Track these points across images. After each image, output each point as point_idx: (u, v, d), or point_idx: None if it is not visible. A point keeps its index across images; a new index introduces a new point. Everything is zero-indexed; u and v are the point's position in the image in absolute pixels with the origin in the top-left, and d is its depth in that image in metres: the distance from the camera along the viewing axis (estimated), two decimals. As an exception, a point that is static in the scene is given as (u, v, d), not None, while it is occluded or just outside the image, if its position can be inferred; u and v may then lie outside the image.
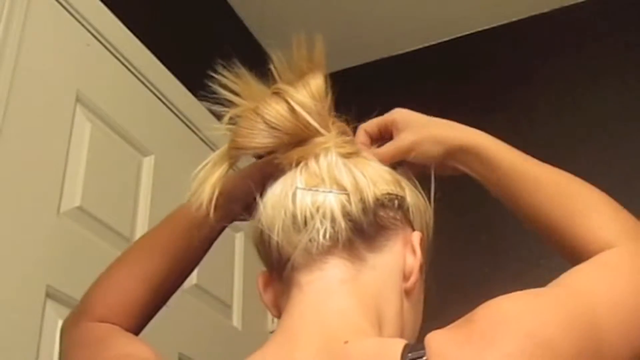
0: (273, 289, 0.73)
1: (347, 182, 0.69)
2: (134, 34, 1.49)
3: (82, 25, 1.35)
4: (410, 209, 0.73)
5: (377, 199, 0.69)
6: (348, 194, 0.68)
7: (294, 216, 0.68)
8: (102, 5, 1.41)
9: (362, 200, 0.68)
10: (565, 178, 0.78)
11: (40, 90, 1.21)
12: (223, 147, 0.75)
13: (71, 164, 1.24)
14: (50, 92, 1.24)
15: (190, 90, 1.65)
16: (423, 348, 0.57)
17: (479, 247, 1.77)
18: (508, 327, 0.56)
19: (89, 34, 1.36)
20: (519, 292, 0.61)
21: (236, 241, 1.71)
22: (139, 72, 1.49)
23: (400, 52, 2.16)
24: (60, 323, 1.12)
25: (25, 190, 1.13)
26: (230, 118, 0.74)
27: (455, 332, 0.58)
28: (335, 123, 0.75)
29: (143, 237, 0.94)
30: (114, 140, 1.39)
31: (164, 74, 1.58)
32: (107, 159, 1.34)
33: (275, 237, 0.68)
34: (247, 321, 1.71)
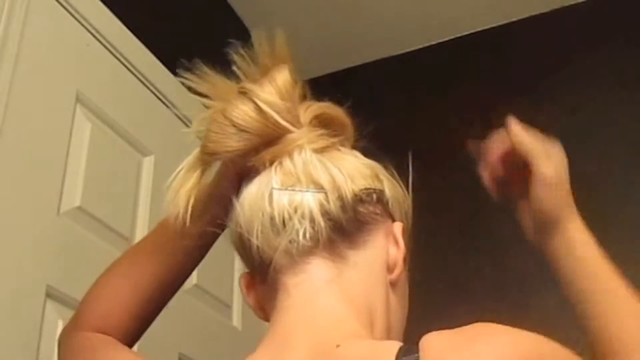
0: (257, 291, 0.72)
1: (324, 180, 0.67)
2: (134, 34, 1.49)
3: (82, 25, 1.35)
4: (390, 202, 0.72)
5: (355, 195, 0.68)
6: (326, 192, 0.67)
7: (272, 218, 0.66)
8: (102, 5, 1.41)
9: (340, 198, 0.67)
10: (628, 300, 0.78)
11: (40, 90, 1.21)
12: (195, 152, 0.74)
13: (71, 164, 1.24)
14: (50, 92, 1.24)
15: (190, 90, 1.65)
16: (417, 351, 0.56)
17: (478, 248, 1.77)
18: (504, 334, 0.56)
19: (89, 34, 1.36)
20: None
21: (236, 241, 1.71)
22: (139, 72, 1.49)
23: (400, 52, 2.16)
24: (60, 323, 1.12)
25: (25, 190, 1.13)
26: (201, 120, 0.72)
27: (452, 334, 0.57)
28: (308, 110, 0.73)
29: (133, 246, 0.93)
30: (114, 140, 1.39)
31: (164, 74, 1.58)
32: (107, 159, 1.34)
33: (254, 241, 0.67)
34: (247, 321, 1.71)
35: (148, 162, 1.47)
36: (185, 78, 0.73)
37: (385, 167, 0.75)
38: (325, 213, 0.66)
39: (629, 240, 1.62)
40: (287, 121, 0.70)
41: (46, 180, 1.18)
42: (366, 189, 0.69)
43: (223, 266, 1.65)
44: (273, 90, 0.70)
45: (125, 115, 1.42)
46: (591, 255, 0.79)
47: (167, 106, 1.58)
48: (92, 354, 0.77)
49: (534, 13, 2.03)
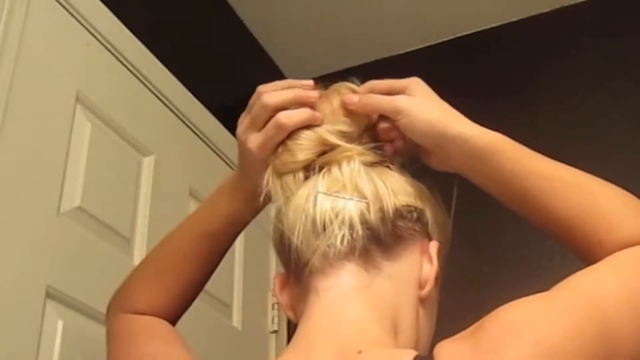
0: (290, 292, 0.74)
1: (367, 190, 0.70)
2: (134, 34, 1.49)
3: (82, 25, 1.35)
4: (430, 222, 0.74)
5: (396, 210, 0.70)
6: (368, 202, 0.69)
7: (314, 220, 0.69)
8: (102, 5, 1.41)
9: (382, 210, 0.69)
10: (579, 174, 0.73)
11: (40, 90, 1.21)
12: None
13: (71, 164, 1.24)
14: (50, 92, 1.23)
15: (190, 90, 1.65)
16: (432, 359, 0.57)
17: (478, 246, 1.77)
18: (515, 336, 0.56)
19: (89, 34, 1.36)
20: (525, 299, 0.61)
21: (236, 241, 1.71)
22: (139, 72, 1.49)
23: (400, 52, 2.16)
24: (60, 323, 1.12)
25: (25, 190, 1.13)
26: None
27: (464, 343, 0.58)
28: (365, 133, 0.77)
29: (175, 238, 0.92)
30: (114, 140, 1.39)
31: (164, 74, 1.58)
32: (107, 159, 1.34)
33: (295, 241, 0.69)
34: (247, 321, 1.71)
35: (148, 162, 1.47)
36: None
37: (431, 191, 0.77)
38: (365, 222, 0.68)
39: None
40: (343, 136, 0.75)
41: (46, 180, 1.18)
42: (408, 205, 0.72)
43: (223, 266, 1.65)
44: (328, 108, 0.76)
45: (125, 115, 1.42)
46: (506, 147, 0.73)
47: (167, 106, 1.58)
48: (142, 338, 0.81)
49: (534, 13, 2.03)
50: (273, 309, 1.84)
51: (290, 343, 0.68)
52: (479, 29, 2.10)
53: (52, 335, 1.11)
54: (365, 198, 0.69)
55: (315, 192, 0.70)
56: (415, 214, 0.72)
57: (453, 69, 2.08)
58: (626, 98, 1.83)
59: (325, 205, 0.69)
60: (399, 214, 0.70)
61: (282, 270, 0.76)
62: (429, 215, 0.74)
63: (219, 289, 1.61)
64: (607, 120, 1.82)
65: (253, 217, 0.84)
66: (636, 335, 0.59)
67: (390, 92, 0.79)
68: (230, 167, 1.73)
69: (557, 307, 0.59)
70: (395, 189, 0.71)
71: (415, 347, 0.69)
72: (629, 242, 0.66)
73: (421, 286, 0.71)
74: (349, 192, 0.70)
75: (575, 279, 0.64)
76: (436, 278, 0.72)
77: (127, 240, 1.33)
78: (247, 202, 0.81)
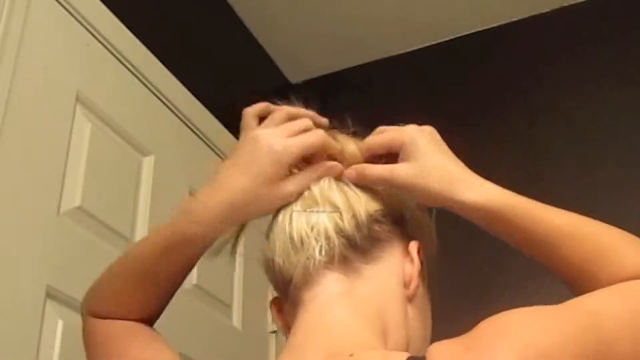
0: (285, 313, 0.76)
1: (339, 200, 0.72)
2: (134, 34, 1.49)
3: (82, 25, 1.35)
4: (409, 224, 0.75)
5: (369, 215, 0.72)
6: (340, 212, 0.71)
7: (291, 237, 0.71)
8: (102, 5, 1.41)
9: (354, 217, 0.71)
10: (588, 222, 0.73)
11: (40, 90, 1.21)
12: None
13: (71, 164, 1.24)
14: (50, 92, 1.24)
15: (190, 90, 1.65)
16: (425, 359, 0.57)
17: (478, 246, 1.77)
18: (507, 337, 0.56)
19: (89, 34, 1.36)
20: (524, 308, 0.60)
21: (236, 241, 1.71)
22: (139, 72, 1.49)
23: (400, 52, 2.16)
24: (60, 323, 1.12)
25: (25, 190, 1.13)
26: None
27: (457, 343, 0.58)
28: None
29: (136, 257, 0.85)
30: (114, 140, 1.39)
31: (164, 74, 1.58)
32: (107, 159, 1.34)
33: (277, 260, 0.72)
34: (247, 321, 1.71)
35: (148, 162, 1.47)
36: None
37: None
38: (340, 231, 0.71)
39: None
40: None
41: (46, 180, 1.18)
42: (381, 209, 0.74)
43: (223, 266, 1.65)
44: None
45: (125, 115, 1.42)
46: (516, 205, 0.73)
47: (167, 106, 1.58)
48: (113, 343, 0.80)
49: (534, 13, 2.03)
50: (273, 309, 1.83)
51: (280, 355, 0.69)
52: (479, 29, 2.10)
53: (52, 335, 1.11)
54: (338, 208, 0.72)
55: (290, 211, 0.73)
56: (390, 218, 0.74)
57: (452, 69, 2.08)
58: (627, 97, 1.83)
59: (300, 222, 0.72)
60: (373, 219, 0.72)
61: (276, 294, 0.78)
62: (408, 217, 0.76)
63: (219, 289, 1.62)
64: (607, 120, 1.82)
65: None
66: (634, 357, 0.59)
67: (389, 150, 0.77)
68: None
69: (554, 316, 0.59)
70: (369, 196, 0.74)
71: (407, 346, 0.70)
72: (633, 277, 0.67)
73: (406, 285, 0.72)
74: (321, 206, 0.72)
75: (579, 298, 0.64)
76: (421, 276, 0.73)
77: (127, 240, 1.33)
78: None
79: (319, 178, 0.75)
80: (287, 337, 0.73)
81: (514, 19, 2.05)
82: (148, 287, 0.82)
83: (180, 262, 0.80)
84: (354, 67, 2.15)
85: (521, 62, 2.00)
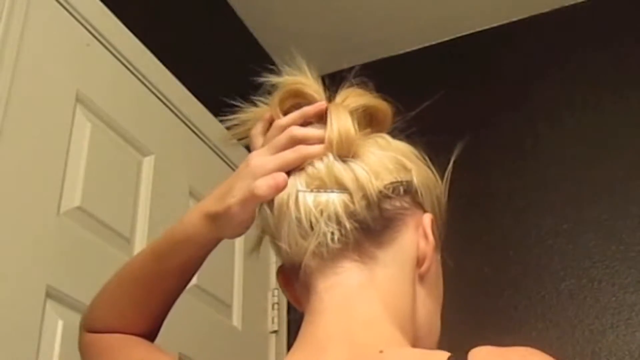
0: (294, 287, 0.72)
1: (347, 179, 0.68)
2: (134, 34, 1.49)
3: (82, 25, 1.35)
4: (419, 191, 0.71)
5: (380, 192, 0.68)
6: (350, 193, 0.67)
7: (299, 221, 0.67)
8: (102, 5, 1.41)
9: (365, 197, 0.67)
10: None
11: (40, 90, 1.21)
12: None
13: (71, 164, 1.24)
14: (50, 92, 1.23)
15: (190, 90, 1.65)
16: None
17: (479, 246, 1.77)
18: None
19: (89, 34, 1.36)
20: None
21: (236, 241, 1.71)
22: (139, 72, 1.49)
23: (401, 52, 2.16)
24: (60, 323, 1.12)
25: (25, 190, 1.13)
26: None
27: (503, 353, 0.57)
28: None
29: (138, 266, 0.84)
30: (114, 140, 1.39)
31: (164, 74, 1.58)
32: (107, 159, 1.34)
33: (283, 245, 0.68)
34: (247, 321, 1.71)
35: (148, 162, 1.47)
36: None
37: (415, 149, 0.74)
38: (351, 214, 0.67)
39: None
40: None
41: (46, 180, 1.18)
42: (392, 183, 0.69)
43: (223, 266, 1.65)
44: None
45: (125, 115, 1.42)
46: None
47: (167, 106, 1.58)
48: (112, 355, 0.78)
49: (534, 13, 2.03)
50: (273, 309, 1.84)
51: (296, 344, 0.66)
52: (479, 29, 2.09)
53: (52, 335, 1.11)
54: (347, 189, 0.67)
55: (295, 191, 0.68)
56: (401, 189, 0.69)
57: (453, 69, 2.08)
58: (626, 98, 1.83)
59: (307, 203, 0.67)
60: (383, 195, 0.68)
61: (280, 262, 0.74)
62: (416, 182, 0.71)
63: (219, 289, 1.61)
64: (608, 119, 1.82)
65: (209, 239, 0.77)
66: None
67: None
68: (230, 167, 1.73)
69: None
70: (376, 170, 0.69)
71: (414, 325, 0.68)
72: None
73: (419, 263, 0.70)
74: (329, 185, 0.68)
75: None
76: (434, 251, 0.70)
77: (127, 240, 1.33)
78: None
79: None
80: (299, 309, 0.71)
81: (514, 19, 2.05)
82: (142, 298, 0.80)
83: (171, 269, 0.78)
84: (354, 67, 2.15)
85: (521, 61, 2.00)
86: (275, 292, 1.84)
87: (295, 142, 0.71)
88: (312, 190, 0.68)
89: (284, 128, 0.73)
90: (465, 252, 1.75)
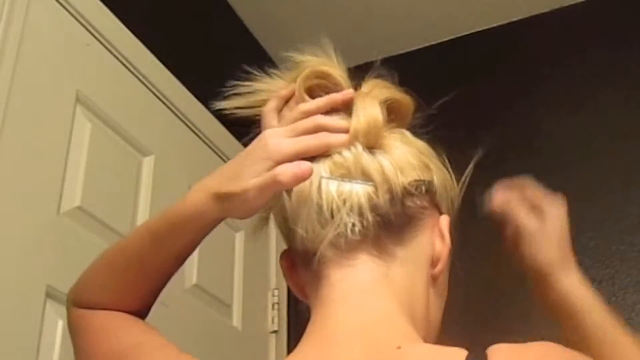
0: (298, 273, 0.71)
1: (373, 170, 0.66)
2: (134, 34, 1.49)
3: (82, 25, 1.35)
4: (438, 191, 0.70)
5: (404, 188, 0.67)
6: (375, 185, 0.66)
7: (320, 207, 0.65)
8: (102, 5, 1.41)
9: (390, 191, 0.66)
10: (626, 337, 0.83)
11: (40, 90, 1.21)
12: None
13: (71, 164, 1.24)
14: (50, 92, 1.24)
15: (190, 90, 1.65)
16: (486, 359, 0.56)
17: (480, 246, 1.77)
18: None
19: (89, 34, 1.36)
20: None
21: (236, 241, 1.71)
22: (139, 72, 1.49)
23: (401, 52, 2.16)
24: (60, 323, 1.12)
25: (25, 190, 1.14)
26: None
27: (522, 350, 0.57)
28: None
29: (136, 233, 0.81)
30: (114, 140, 1.39)
31: (164, 74, 1.58)
32: (107, 159, 1.34)
33: (300, 231, 0.66)
34: (247, 321, 1.71)
35: (148, 162, 1.47)
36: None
37: (434, 149, 0.74)
38: (374, 207, 0.65)
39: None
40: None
41: (46, 180, 1.18)
42: (415, 181, 0.68)
43: (223, 266, 1.65)
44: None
45: (125, 115, 1.42)
46: (587, 309, 0.83)
47: (167, 106, 1.58)
48: (106, 334, 0.76)
49: (534, 13, 2.02)
50: (273, 309, 1.83)
51: (306, 336, 0.65)
52: (479, 29, 2.09)
53: (52, 335, 1.11)
54: (372, 180, 0.66)
55: (318, 177, 0.66)
56: (423, 187, 0.68)
57: (453, 69, 2.08)
58: (626, 97, 1.83)
59: (330, 191, 0.65)
60: (407, 192, 0.67)
61: (285, 246, 0.72)
62: (437, 183, 0.70)
63: (219, 289, 1.61)
64: (608, 119, 1.82)
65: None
66: None
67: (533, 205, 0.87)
68: (230, 167, 1.73)
69: None
70: (401, 165, 0.68)
71: (427, 325, 0.68)
72: None
73: (433, 264, 0.69)
74: (354, 175, 0.66)
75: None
76: (449, 254, 0.70)
77: (127, 240, 1.33)
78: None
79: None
80: (299, 297, 0.70)
81: (514, 19, 2.05)
82: (137, 278, 0.77)
83: (169, 250, 0.75)
84: (354, 67, 2.15)
85: (521, 61, 1.99)
86: (275, 292, 1.84)
87: (319, 129, 0.69)
88: (335, 178, 0.66)
89: (309, 114, 0.71)
90: (465, 252, 1.75)
